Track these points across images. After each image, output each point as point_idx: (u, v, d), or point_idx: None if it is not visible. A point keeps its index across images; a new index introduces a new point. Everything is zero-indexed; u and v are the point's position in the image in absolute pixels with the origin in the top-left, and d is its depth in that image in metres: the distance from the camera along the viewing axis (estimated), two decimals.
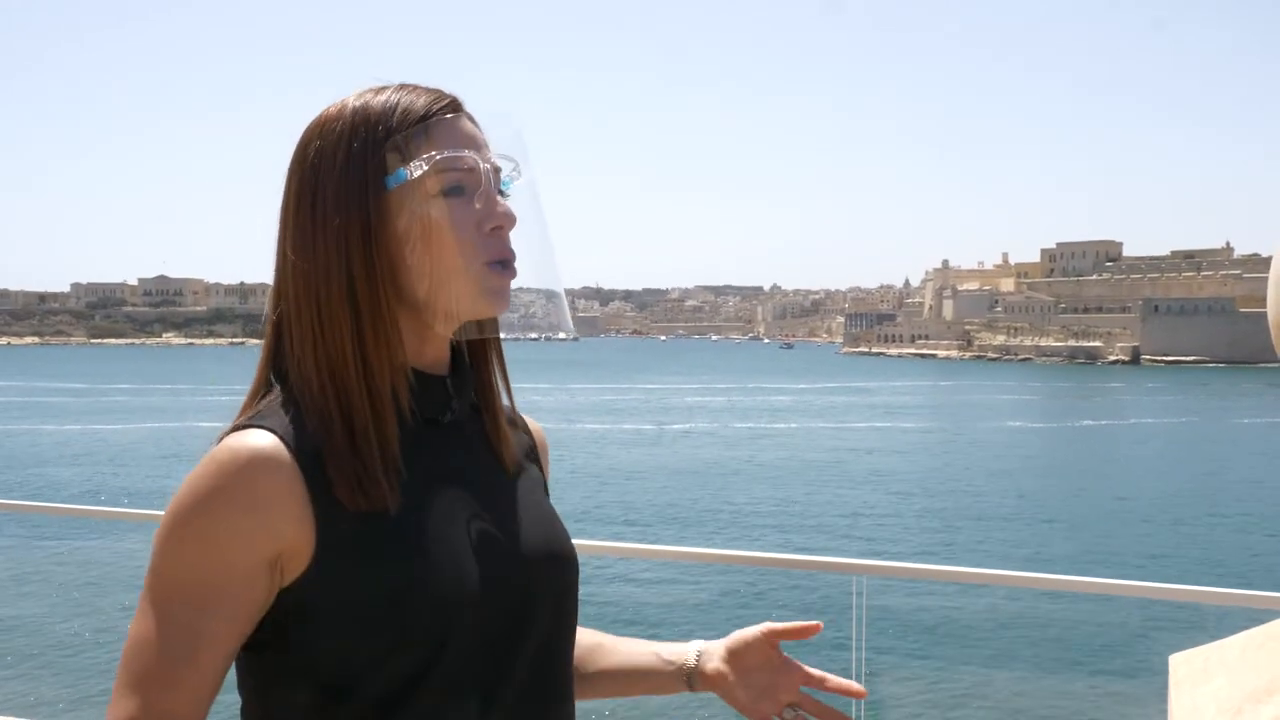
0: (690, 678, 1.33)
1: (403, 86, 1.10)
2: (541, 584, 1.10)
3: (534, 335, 1.22)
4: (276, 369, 1.10)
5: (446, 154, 1.05)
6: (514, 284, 1.10)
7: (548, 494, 1.25)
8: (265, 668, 1.04)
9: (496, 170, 1.09)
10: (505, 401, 1.22)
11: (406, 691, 0.98)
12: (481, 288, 1.06)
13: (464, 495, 1.09)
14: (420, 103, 1.08)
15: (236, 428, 1.04)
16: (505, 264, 1.08)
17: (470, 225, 1.06)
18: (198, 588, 0.97)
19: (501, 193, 1.10)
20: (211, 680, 1.00)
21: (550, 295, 1.20)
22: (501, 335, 1.17)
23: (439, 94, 1.10)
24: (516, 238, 1.10)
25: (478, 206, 1.06)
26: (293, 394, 1.07)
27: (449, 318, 1.08)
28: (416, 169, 1.04)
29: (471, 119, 1.11)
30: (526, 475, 1.20)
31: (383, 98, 1.08)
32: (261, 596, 1.00)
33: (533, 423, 1.30)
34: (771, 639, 1.33)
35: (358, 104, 1.08)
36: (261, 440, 1.00)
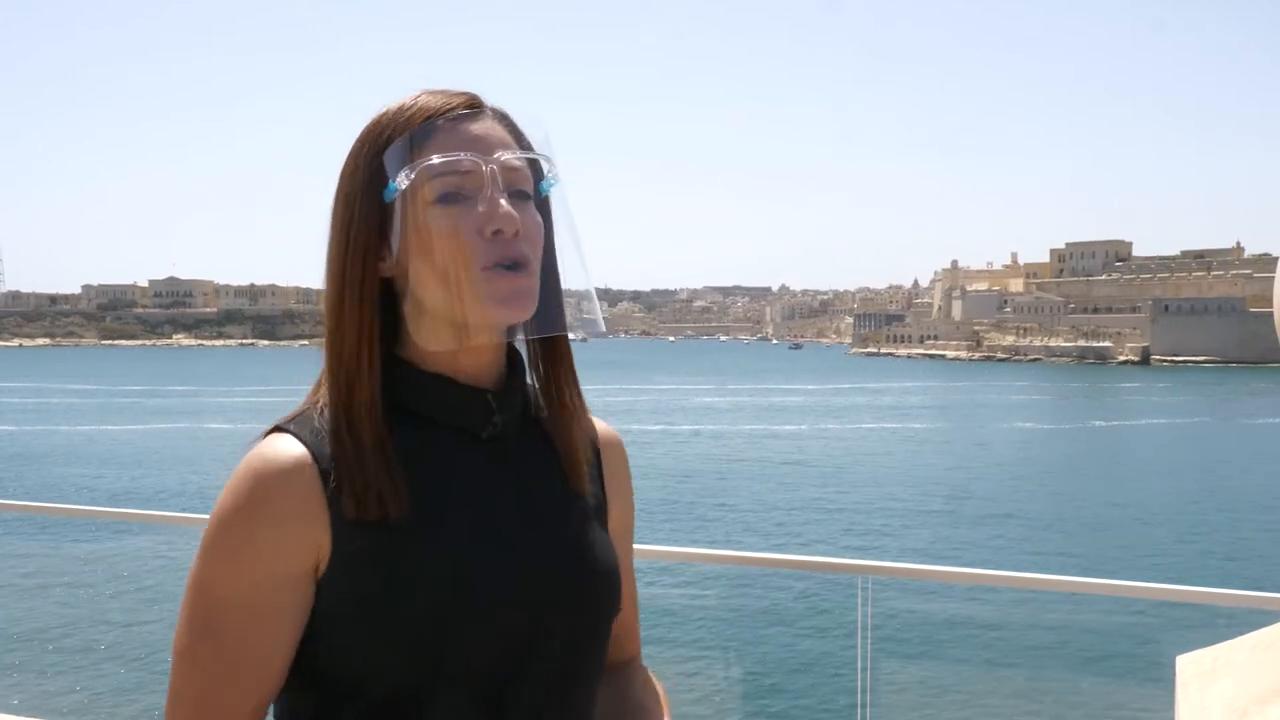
0: None
1: (423, 92, 1.08)
2: (555, 601, 1.07)
3: (575, 336, 1.19)
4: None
5: (433, 160, 1.02)
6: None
7: (605, 504, 1.21)
8: None
9: (510, 168, 1.04)
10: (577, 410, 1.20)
11: (411, 700, 0.98)
12: (484, 293, 1.02)
13: (486, 509, 1.07)
14: (420, 112, 1.05)
15: (273, 429, 1.05)
16: (510, 267, 1.02)
17: (470, 231, 1.02)
18: (238, 601, 0.98)
19: (537, 193, 1.07)
20: (269, 688, 1.01)
21: (581, 295, 1.15)
22: (524, 336, 1.13)
23: (450, 96, 1.07)
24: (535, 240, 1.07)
25: (480, 210, 1.02)
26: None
27: (463, 327, 1.05)
28: (404, 179, 1.02)
29: (499, 115, 1.09)
30: (577, 490, 1.16)
31: (395, 105, 1.07)
32: (305, 603, 1.00)
33: (604, 428, 1.26)
34: None
35: (380, 112, 1.07)
36: (291, 449, 1.01)
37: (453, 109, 1.06)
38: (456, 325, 1.05)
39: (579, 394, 1.18)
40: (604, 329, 1.16)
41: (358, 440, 1.02)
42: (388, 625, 0.98)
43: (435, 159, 1.02)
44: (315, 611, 1.01)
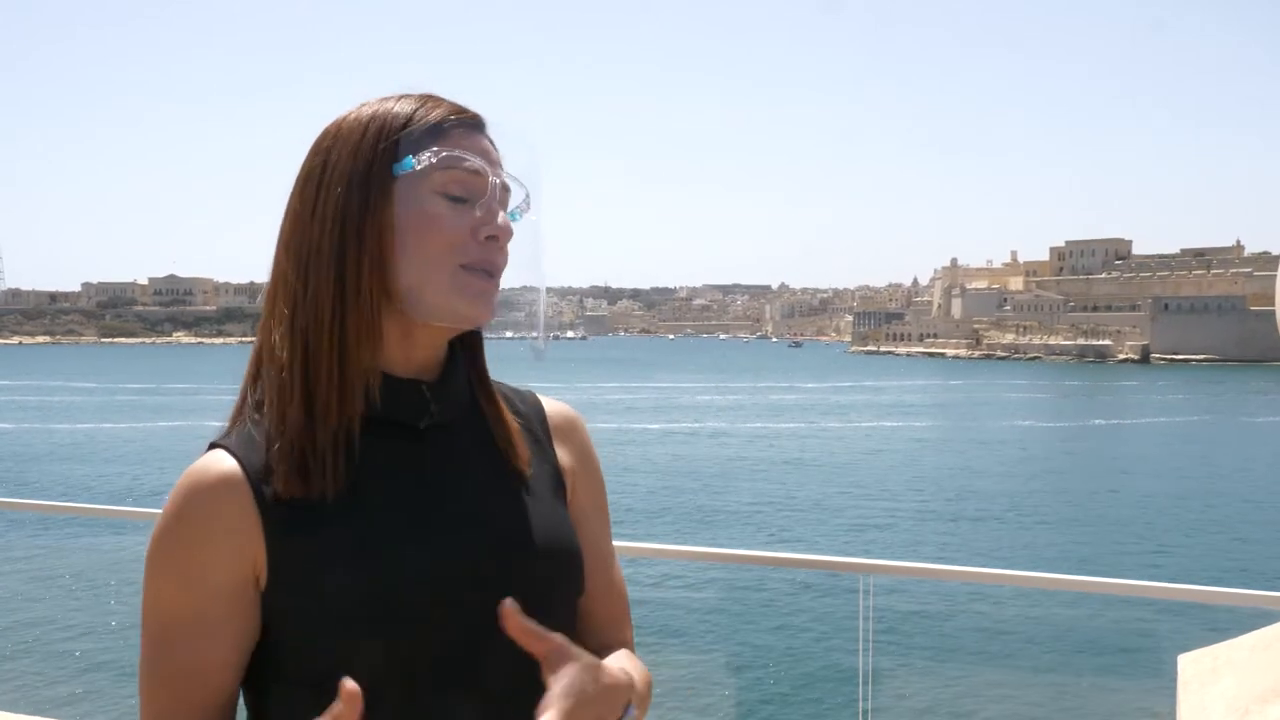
0: None
1: (428, 97, 1.12)
2: (512, 578, 1.08)
3: (509, 334, 1.21)
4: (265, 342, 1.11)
5: (458, 153, 1.07)
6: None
7: (561, 481, 1.22)
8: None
9: (505, 188, 1.11)
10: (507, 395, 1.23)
11: (378, 685, 0.98)
12: (464, 288, 1.07)
13: (425, 498, 1.08)
14: (440, 110, 1.11)
15: (210, 446, 1.07)
16: (490, 274, 1.09)
17: (466, 228, 1.07)
18: (180, 616, 1.02)
19: (512, 217, 1.12)
20: (225, 699, 1.04)
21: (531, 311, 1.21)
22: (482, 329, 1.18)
23: (461, 108, 1.13)
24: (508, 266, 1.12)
25: (478, 214, 1.08)
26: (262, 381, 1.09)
27: (430, 313, 1.08)
28: (425, 160, 1.06)
29: (491, 141, 1.14)
30: (525, 470, 1.17)
31: (406, 104, 1.11)
32: (248, 614, 1.03)
33: (555, 406, 1.28)
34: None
35: (379, 107, 1.11)
36: (221, 464, 1.04)
37: (466, 118, 1.12)
38: (423, 309, 1.08)
39: (488, 378, 1.22)
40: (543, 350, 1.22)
41: (311, 405, 1.04)
42: (337, 621, 1.00)
43: (459, 153, 1.07)
44: (267, 618, 1.03)
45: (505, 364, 1.24)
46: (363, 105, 1.12)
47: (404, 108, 1.10)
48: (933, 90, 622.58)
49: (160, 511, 1.04)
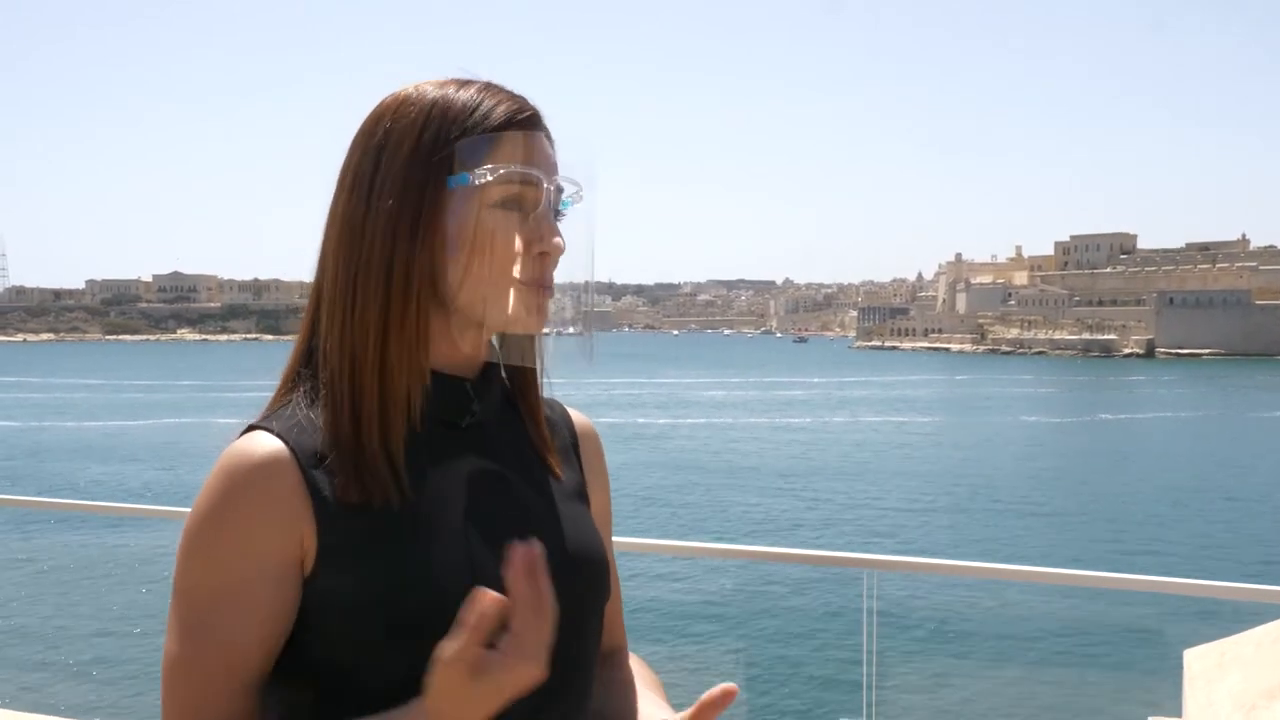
0: None
1: (488, 86, 1.08)
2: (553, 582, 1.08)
3: (568, 330, 1.20)
4: (313, 346, 1.09)
5: (515, 168, 1.04)
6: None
7: (585, 491, 1.22)
8: None
9: (559, 192, 1.08)
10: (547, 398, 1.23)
11: (406, 687, 0.96)
12: (517, 303, 1.05)
13: (472, 496, 1.07)
14: (501, 109, 1.06)
15: (248, 428, 1.04)
16: (543, 287, 1.07)
17: (519, 243, 1.05)
18: (223, 599, 0.98)
19: (558, 212, 1.09)
20: (258, 687, 1.01)
21: (586, 320, 1.19)
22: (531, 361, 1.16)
23: (523, 104, 1.08)
24: (562, 262, 1.10)
25: (531, 226, 1.05)
26: (318, 378, 1.07)
27: (481, 327, 1.08)
28: (482, 176, 1.03)
29: (548, 135, 1.10)
30: (558, 474, 1.18)
31: (466, 94, 1.06)
32: (291, 596, 1.00)
33: (579, 416, 1.28)
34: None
35: (438, 94, 1.06)
36: (265, 444, 1.01)
37: (525, 120, 1.08)
38: (473, 323, 1.07)
39: (537, 386, 1.21)
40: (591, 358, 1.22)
41: (358, 416, 1.03)
42: (381, 617, 0.98)
43: (517, 168, 1.04)
44: (305, 605, 1.00)
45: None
46: (420, 92, 1.07)
47: (462, 106, 1.05)
48: (937, 86, 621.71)
49: (184, 509, 1.01)
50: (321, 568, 1.00)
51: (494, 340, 1.16)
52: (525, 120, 1.07)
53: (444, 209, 1.03)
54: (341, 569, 0.99)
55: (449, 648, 0.86)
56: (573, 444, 1.24)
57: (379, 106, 1.08)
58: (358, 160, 1.07)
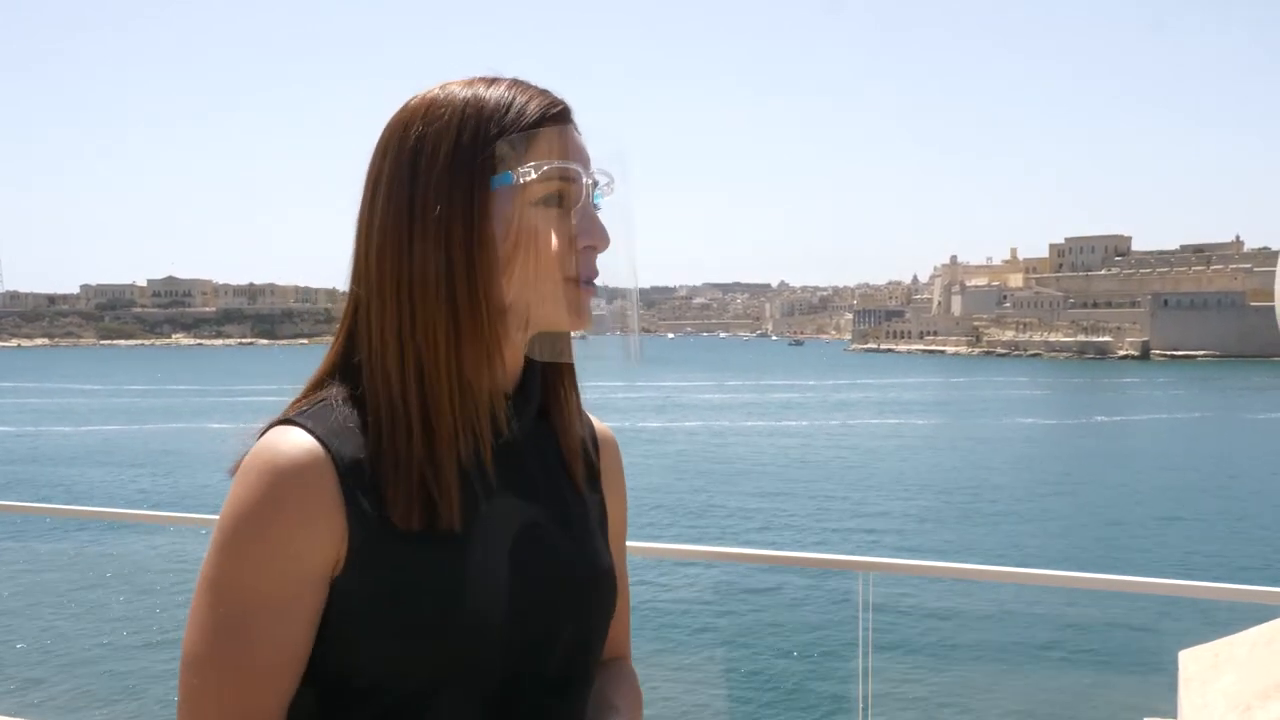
0: None
1: (516, 83, 1.06)
2: (569, 604, 1.07)
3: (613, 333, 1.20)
4: (349, 356, 1.06)
5: (556, 164, 1.02)
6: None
7: (605, 505, 1.21)
8: None
9: (595, 185, 1.06)
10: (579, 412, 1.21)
11: (418, 702, 0.97)
12: (566, 301, 1.04)
13: (501, 514, 1.06)
14: (534, 105, 1.04)
15: (279, 422, 1.01)
16: (589, 282, 1.06)
17: (565, 238, 1.03)
18: (264, 602, 0.95)
19: (595, 206, 1.08)
20: (292, 691, 0.98)
21: (626, 315, 1.18)
22: (571, 356, 1.14)
23: (553, 98, 1.07)
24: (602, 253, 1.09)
25: (574, 221, 1.04)
26: (355, 390, 1.03)
27: (527, 326, 1.06)
28: (525, 175, 1.02)
29: (577, 128, 1.09)
30: (584, 492, 1.17)
31: (496, 92, 1.04)
32: (323, 602, 0.98)
33: (603, 428, 1.26)
34: None
35: (468, 94, 1.04)
36: (307, 443, 0.97)
37: (559, 114, 1.06)
38: (520, 321, 1.05)
39: (577, 394, 1.19)
40: (639, 352, 1.19)
41: (433, 438, 1.00)
42: (402, 629, 0.96)
43: (559, 163, 1.03)
44: (327, 611, 0.98)
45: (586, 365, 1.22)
46: (449, 93, 1.05)
47: (496, 105, 1.03)
48: (932, 88, 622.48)
49: (234, 491, 0.97)
50: (349, 575, 0.97)
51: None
52: (558, 115, 1.06)
53: (489, 211, 1.02)
54: (369, 580, 0.97)
55: None
56: (594, 453, 1.22)
57: (404, 111, 1.05)
58: (391, 167, 1.04)
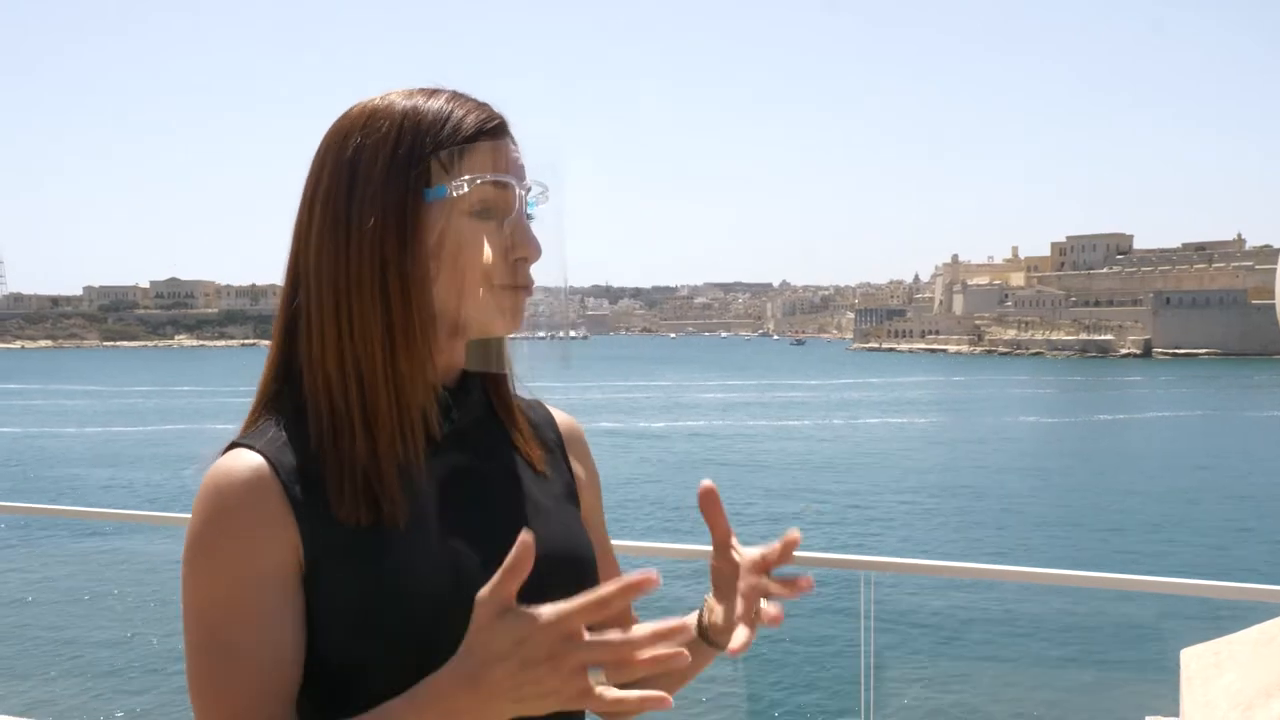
0: (705, 633, 1.24)
1: (455, 96, 1.09)
2: (543, 585, 1.06)
3: (541, 334, 1.22)
4: (289, 362, 1.10)
5: (489, 178, 1.06)
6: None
7: (575, 490, 1.24)
8: None
9: (528, 194, 1.10)
10: (524, 399, 1.24)
11: (382, 687, 0.97)
12: (496, 307, 1.08)
13: (452, 503, 1.08)
14: (471, 119, 1.07)
15: (229, 446, 1.05)
16: (522, 288, 1.09)
17: (498, 250, 1.07)
18: (233, 611, 0.99)
19: (528, 215, 1.10)
20: (292, 690, 1.01)
21: (555, 294, 1.21)
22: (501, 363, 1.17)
23: (490, 112, 1.10)
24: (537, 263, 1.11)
25: (507, 233, 1.07)
26: (299, 395, 1.07)
27: (459, 331, 1.09)
28: (458, 188, 1.05)
29: (514, 140, 1.11)
30: (545, 475, 1.19)
31: (435, 105, 1.08)
32: (300, 603, 1.01)
33: (563, 416, 1.30)
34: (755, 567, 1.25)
35: (407, 105, 1.07)
36: (248, 460, 1.01)
37: (495, 128, 1.09)
38: (452, 327, 1.09)
39: (509, 384, 1.22)
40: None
41: (374, 438, 1.04)
42: (373, 623, 0.99)
43: (491, 176, 1.06)
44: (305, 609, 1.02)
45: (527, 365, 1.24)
46: (389, 104, 1.08)
47: (434, 118, 1.07)
48: (933, 87, 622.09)
49: (189, 515, 1.02)
50: (312, 574, 1.00)
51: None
52: (494, 128, 1.09)
53: (424, 223, 1.05)
54: (332, 577, 1.00)
55: (485, 587, 0.89)
56: (559, 444, 1.26)
57: (345, 119, 1.09)
58: (329, 176, 1.07)
